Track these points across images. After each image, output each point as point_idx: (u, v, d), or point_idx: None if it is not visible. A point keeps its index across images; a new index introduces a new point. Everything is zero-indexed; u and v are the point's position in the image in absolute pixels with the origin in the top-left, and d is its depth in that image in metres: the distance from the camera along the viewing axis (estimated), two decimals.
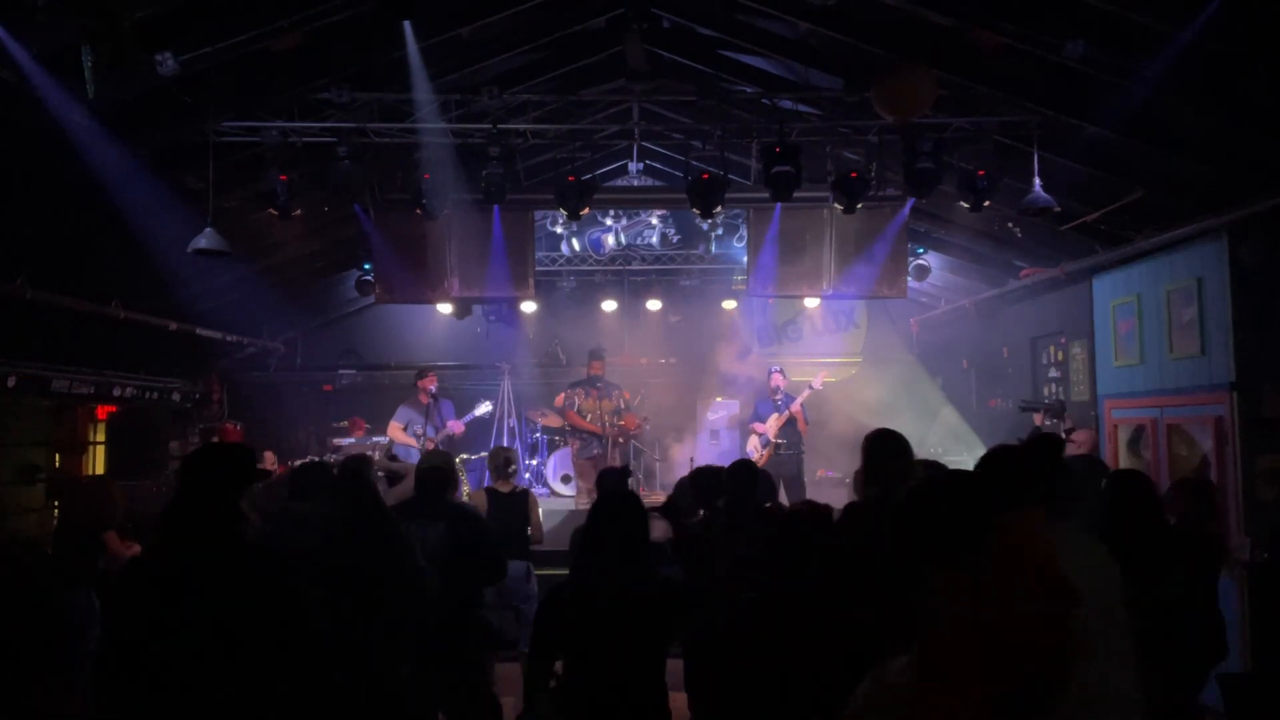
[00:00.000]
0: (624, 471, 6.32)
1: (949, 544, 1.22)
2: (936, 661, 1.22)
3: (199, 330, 9.60)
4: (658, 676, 3.28)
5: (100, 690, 2.61)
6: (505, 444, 11.15)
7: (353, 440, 10.77)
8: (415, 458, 8.69)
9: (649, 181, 10.79)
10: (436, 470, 4.86)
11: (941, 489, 1.28)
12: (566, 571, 5.47)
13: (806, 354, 12.38)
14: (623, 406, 10.31)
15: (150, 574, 2.74)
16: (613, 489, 4.77)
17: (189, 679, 2.53)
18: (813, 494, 8.63)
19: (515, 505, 6.24)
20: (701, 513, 5.23)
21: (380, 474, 7.77)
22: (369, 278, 10.08)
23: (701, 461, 10.44)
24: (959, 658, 1.20)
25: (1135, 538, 4.09)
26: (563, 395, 10.46)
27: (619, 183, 10.91)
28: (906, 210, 8.77)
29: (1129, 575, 3.77)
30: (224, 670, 2.55)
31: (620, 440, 10.26)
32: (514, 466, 6.36)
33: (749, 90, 7.97)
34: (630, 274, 12.04)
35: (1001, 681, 1.18)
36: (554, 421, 11.26)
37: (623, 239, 11.86)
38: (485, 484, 6.67)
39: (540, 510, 6.49)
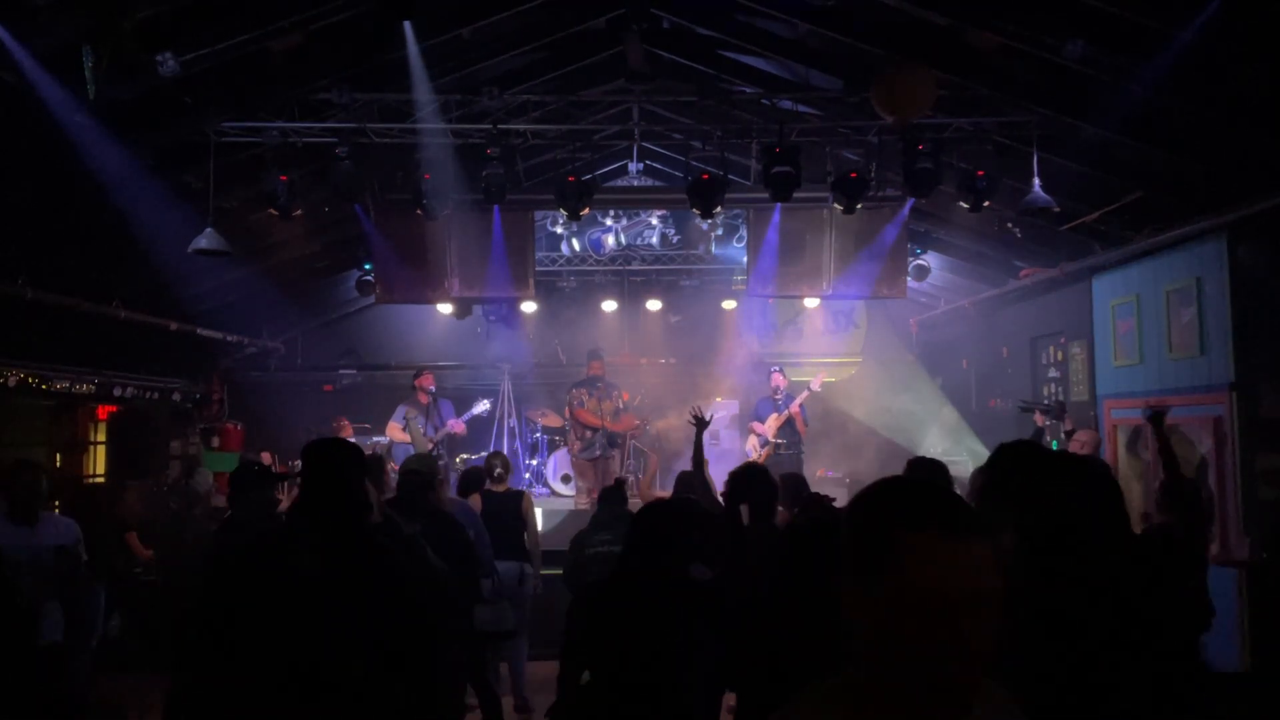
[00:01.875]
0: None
1: (849, 564, 1.27)
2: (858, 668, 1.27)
3: (199, 330, 9.60)
4: (687, 677, 3.23)
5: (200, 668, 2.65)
6: (505, 444, 11.17)
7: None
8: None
9: (649, 182, 10.79)
10: (415, 473, 4.99)
11: (847, 511, 1.33)
12: (560, 572, 5.55)
13: (806, 354, 12.37)
14: (622, 407, 10.31)
15: (287, 554, 2.77)
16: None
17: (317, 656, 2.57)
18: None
19: (508, 503, 6.38)
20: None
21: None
22: (369, 278, 10.09)
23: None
24: (873, 664, 1.24)
25: (1104, 546, 4.13)
26: (569, 399, 10.45)
27: (619, 183, 10.91)
28: (906, 210, 8.78)
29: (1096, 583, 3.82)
30: (353, 650, 2.60)
31: (620, 440, 10.26)
32: (499, 471, 6.57)
33: (749, 90, 7.97)
34: (630, 274, 12.03)
35: (913, 685, 1.20)
36: (554, 421, 11.25)
37: (623, 239, 11.85)
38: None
39: (538, 513, 6.53)
